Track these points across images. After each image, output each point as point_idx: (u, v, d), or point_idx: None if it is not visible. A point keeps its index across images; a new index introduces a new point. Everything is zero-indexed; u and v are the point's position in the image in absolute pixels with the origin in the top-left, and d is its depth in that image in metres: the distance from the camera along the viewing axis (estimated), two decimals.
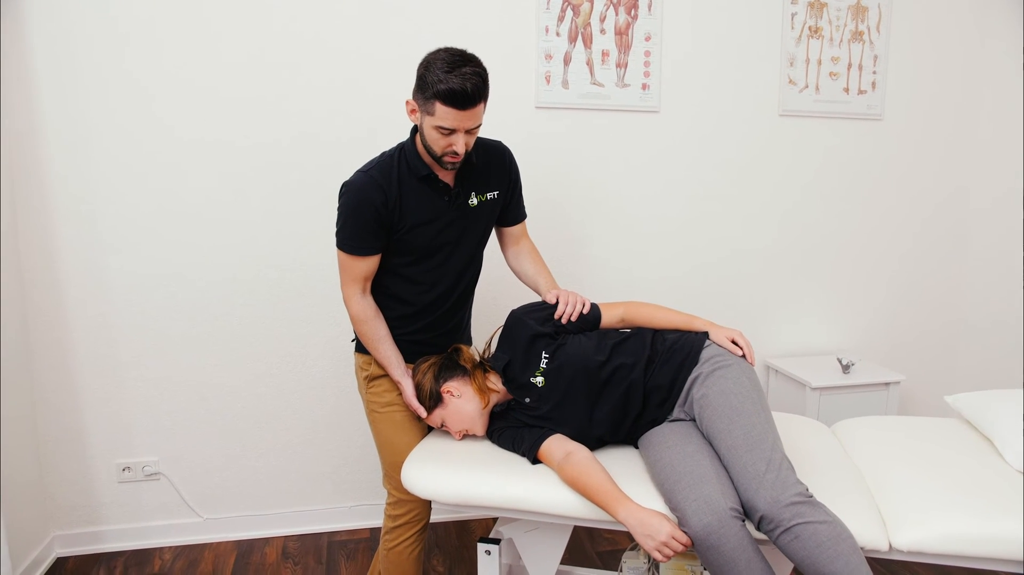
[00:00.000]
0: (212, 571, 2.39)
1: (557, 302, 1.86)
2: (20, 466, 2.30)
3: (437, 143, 1.70)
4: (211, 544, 2.56)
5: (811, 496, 1.48)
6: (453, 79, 1.60)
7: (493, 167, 1.92)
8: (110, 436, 2.46)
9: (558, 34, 2.57)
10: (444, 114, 1.64)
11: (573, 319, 1.83)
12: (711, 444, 1.63)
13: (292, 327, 2.53)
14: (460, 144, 1.68)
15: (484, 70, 1.66)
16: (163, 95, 2.33)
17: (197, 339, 2.47)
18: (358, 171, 1.80)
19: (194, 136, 2.37)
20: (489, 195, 1.90)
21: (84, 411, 2.44)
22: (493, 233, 2.04)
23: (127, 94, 2.31)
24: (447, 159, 1.73)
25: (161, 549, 2.52)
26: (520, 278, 2.08)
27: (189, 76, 2.34)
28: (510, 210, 2.00)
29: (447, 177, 1.83)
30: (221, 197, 2.42)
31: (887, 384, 2.70)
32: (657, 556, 1.50)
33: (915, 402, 3.09)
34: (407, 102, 1.74)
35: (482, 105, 1.68)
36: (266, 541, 2.58)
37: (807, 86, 2.78)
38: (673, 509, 1.53)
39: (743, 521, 1.48)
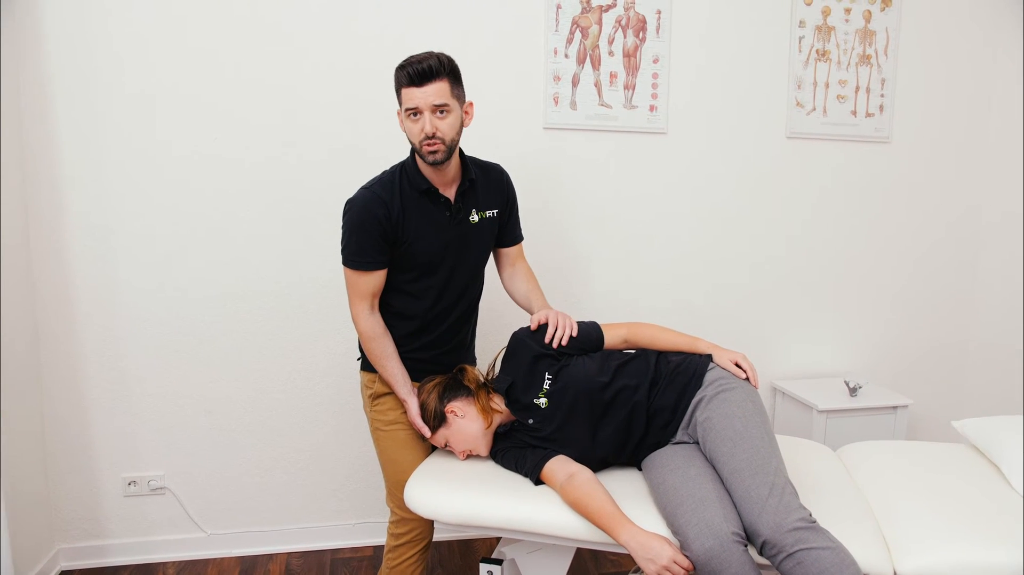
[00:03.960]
0: None
1: (546, 325, 1.86)
2: (27, 478, 2.32)
3: (413, 133, 1.75)
4: (215, 560, 2.56)
5: (814, 522, 1.47)
6: (411, 63, 1.72)
7: (492, 185, 1.96)
8: (117, 450, 2.48)
9: (567, 56, 2.59)
10: (407, 96, 1.73)
11: (563, 344, 1.83)
12: (714, 467, 1.63)
13: (298, 344, 2.54)
14: (428, 124, 1.72)
15: (446, 56, 1.74)
16: (172, 113, 2.36)
17: (204, 355, 2.49)
18: (360, 188, 1.84)
19: (201, 153, 2.40)
20: (489, 213, 1.93)
21: (91, 425, 2.45)
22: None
23: (137, 112, 2.34)
24: (426, 148, 1.74)
25: (165, 564, 2.52)
26: (514, 299, 2.10)
27: (197, 94, 2.37)
28: (507, 230, 2.03)
29: (448, 192, 1.86)
30: (230, 214, 2.44)
31: (895, 408, 2.68)
32: None
33: (924, 426, 3.06)
34: (397, 113, 1.81)
35: (444, 83, 1.72)
36: (270, 557, 2.58)
37: (815, 108, 2.79)
38: (675, 533, 1.53)
39: (745, 546, 1.47)
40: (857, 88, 2.81)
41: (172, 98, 2.36)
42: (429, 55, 1.72)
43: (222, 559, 2.57)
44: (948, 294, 3.01)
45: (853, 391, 2.68)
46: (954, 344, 3.05)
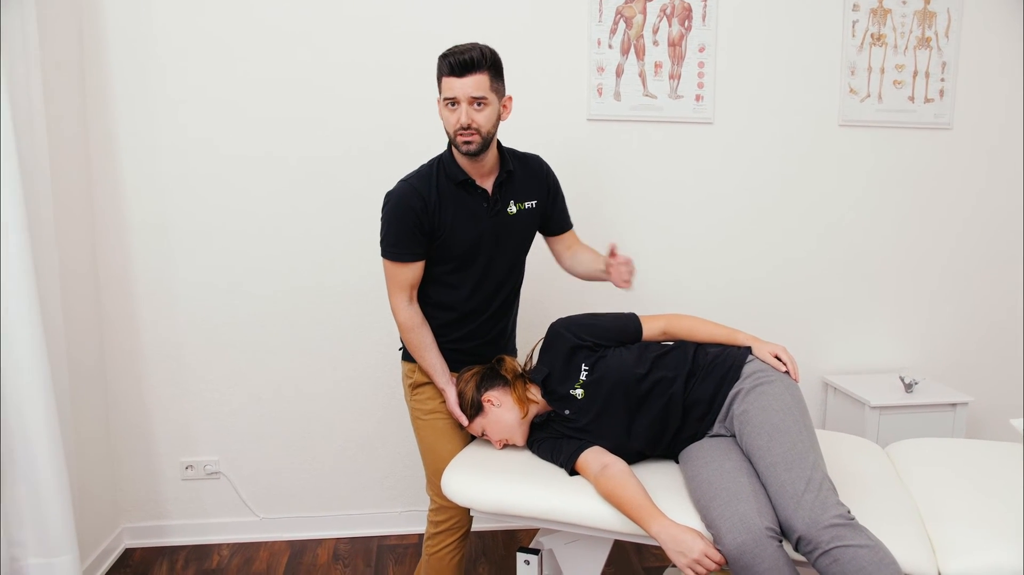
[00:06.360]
0: (266, 569, 2.48)
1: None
2: (94, 462, 2.45)
3: (449, 122, 1.77)
4: (266, 543, 2.65)
5: (853, 519, 1.43)
6: (453, 52, 1.73)
7: (531, 176, 1.96)
8: (175, 436, 2.59)
9: (611, 46, 2.57)
10: (447, 85, 1.74)
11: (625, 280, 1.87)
12: (750, 461, 1.60)
13: (347, 335, 2.60)
14: (464, 115, 1.73)
15: (489, 49, 1.75)
16: (225, 118, 2.45)
17: (257, 346, 2.57)
18: (399, 181, 1.87)
19: (253, 154, 2.48)
20: (527, 204, 1.93)
21: (152, 412, 2.57)
22: (536, 247, 2.06)
23: (195, 116, 2.44)
24: (460, 139, 1.76)
25: (219, 545, 2.63)
26: (583, 275, 2.04)
27: (249, 99, 2.45)
28: (554, 219, 2.03)
29: (485, 183, 1.87)
30: (279, 211, 2.52)
31: (953, 405, 2.58)
32: (689, 574, 1.48)
33: (985, 424, 2.94)
34: (437, 101, 1.83)
35: (484, 76, 1.73)
36: (318, 542, 2.66)
37: (869, 95, 2.69)
38: (708, 526, 1.51)
39: (780, 541, 1.44)
40: (915, 73, 2.71)
41: (224, 106, 2.44)
42: (473, 46, 1.73)
43: (273, 542, 2.66)
44: (1011, 286, 2.87)
45: (909, 387, 2.59)
46: (1018, 338, 2.91)
